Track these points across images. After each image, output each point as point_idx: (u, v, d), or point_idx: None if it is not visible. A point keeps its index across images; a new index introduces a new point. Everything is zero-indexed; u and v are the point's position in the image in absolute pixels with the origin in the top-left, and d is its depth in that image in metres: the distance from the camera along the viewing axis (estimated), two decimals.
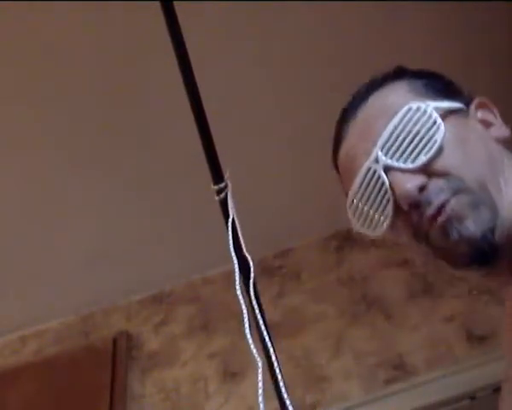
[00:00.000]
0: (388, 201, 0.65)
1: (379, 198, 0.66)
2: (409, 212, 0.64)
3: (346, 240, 2.38)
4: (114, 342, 2.27)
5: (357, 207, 0.69)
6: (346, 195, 0.70)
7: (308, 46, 1.92)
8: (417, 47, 1.95)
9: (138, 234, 2.28)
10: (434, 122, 0.64)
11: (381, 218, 0.67)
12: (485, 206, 0.62)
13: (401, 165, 0.64)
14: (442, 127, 0.64)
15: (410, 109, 0.65)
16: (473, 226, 0.61)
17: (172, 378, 2.18)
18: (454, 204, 0.62)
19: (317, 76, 1.97)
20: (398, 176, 0.64)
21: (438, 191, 0.63)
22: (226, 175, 0.95)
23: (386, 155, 0.65)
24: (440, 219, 0.62)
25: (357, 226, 0.71)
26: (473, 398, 1.78)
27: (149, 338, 2.34)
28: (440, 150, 0.63)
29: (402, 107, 0.66)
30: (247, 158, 2.01)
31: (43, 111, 1.91)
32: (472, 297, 1.98)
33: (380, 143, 0.65)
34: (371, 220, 0.69)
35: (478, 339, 1.86)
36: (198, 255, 2.34)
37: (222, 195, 0.95)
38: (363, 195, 0.68)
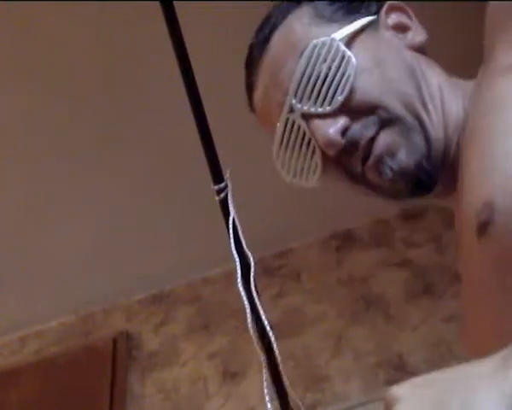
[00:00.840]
0: (314, 149, 0.61)
1: (303, 148, 0.62)
2: (337, 158, 0.60)
3: (346, 240, 2.38)
4: (114, 342, 2.27)
5: (284, 160, 0.66)
6: (272, 135, 0.66)
7: None
8: None
9: (138, 234, 2.28)
10: (343, 57, 0.59)
11: (311, 167, 0.63)
12: (415, 131, 0.58)
13: (318, 110, 0.59)
14: (352, 60, 0.58)
15: (315, 47, 0.59)
16: (405, 158, 0.57)
17: (172, 378, 2.18)
18: (382, 139, 0.58)
19: None
20: (317, 123, 0.59)
21: (362, 129, 0.58)
22: (226, 175, 0.95)
23: (300, 102, 0.60)
24: (370, 160, 0.58)
25: (288, 178, 0.68)
26: None
27: (149, 338, 2.34)
28: (355, 84, 0.58)
29: (307, 43, 0.60)
30: (247, 158, 2.01)
31: (44, 111, 1.91)
32: None
33: (291, 90, 0.60)
34: (301, 171, 0.65)
35: None
36: (198, 255, 2.34)
37: (222, 195, 0.95)
38: (286, 147, 0.64)
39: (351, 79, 0.58)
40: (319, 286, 2.26)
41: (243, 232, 0.96)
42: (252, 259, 0.89)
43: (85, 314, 2.45)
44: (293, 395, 0.67)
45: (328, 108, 0.59)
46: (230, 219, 0.92)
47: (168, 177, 2.13)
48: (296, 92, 0.60)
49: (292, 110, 0.61)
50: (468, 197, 0.51)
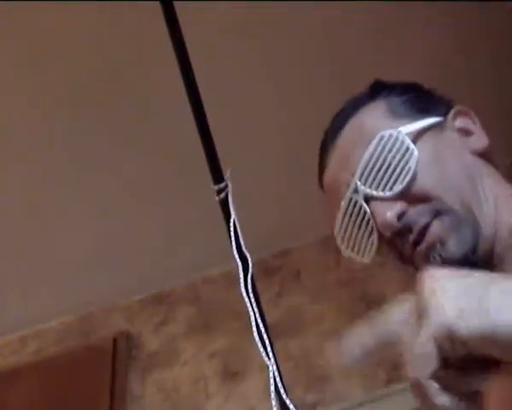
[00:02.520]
0: (372, 229, 0.67)
1: (363, 227, 0.68)
2: (392, 239, 0.65)
3: None
4: (114, 342, 2.27)
5: (344, 236, 0.71)
6: (333, 218, 0.72)
7: (310, 47, 1.92)
8: (418, 48, 1.95)
9: (138, 234, 2.28)
10: (407, 149, 0.65)
11: (368, 245, 0.69)
12: (466, 225, 0.62)
13: (380, 194, 0.65)
14: (415, 153, 0.64)
15: (382, 138, 0.66)
16: (454, 248, 0.62)
17: (172, 378, 2.18)
18: (435, 227, 0.63)
19: (318, 78, 1.97)
20: (377, 205, 0.65)
21: (417, 216, 0.63)
22: (226, 175, 0.95)
23: (364, 184, 0.66)
24: (422, 246, 0.63)
25: (346, 253, 0.72)
26: None
27: (149, 338, 2.34)
28: (415, 175, 0.64)
29: (377, 133, 0.66)
30: (247, 158, 2.01)
31: (44, 112, 1.91)
32: None
33: (357, 173, 0.66)
34: (359, 248, 0.70)
35: None
36: (198, 255, 2.34)
37: (222, 195, 0.95)
38: (347, 225, 0.69)
39: (412, 170, 0.64)
40: (319, 286, 2.26)
41: (243, 232, 0.96)
42: (250, 260, 0.89)
43: (85, 314, 2.45)
44: (287, 401, 0.67)
45: (388, 194, 0.65)
46: (231, 219, 0.92)
47: (168, 177, 2.13)
48: (362, 175, 0.66)
49: (356, 191, 0.67)
50: None
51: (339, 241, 0.72)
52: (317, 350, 2.06)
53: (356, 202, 0.67)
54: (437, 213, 0.63)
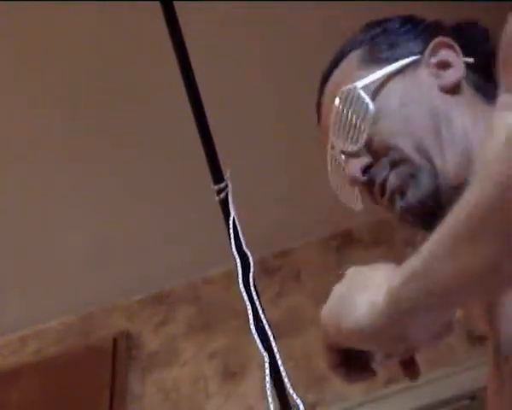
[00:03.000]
0: None
1: (345, 180, 0.70)
2: (365, 190, 0.68)
3: (346, 240, 2.38)
4: (114, 342, 2.27)
5: (336, 187, 0.74)
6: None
7: (310, 47, 1.92)
8: None
9: (138, 234, 2.28)
10: (362, 103, 0.65)
11: (354, 195, 0.72)
12: (423, 173, 0.63)
13: (348, 149, 0.68)
14: (370, 107, 0.65)
15: (342, 94, 0.67)
16: (411, 198, 0.63)
17: (172, 378, 2.18)
18: (392, 179, 0.64)
19: (318, 77, 1.97)
20: (348, 160, 0.68)
21: (378, 170, 0.65)
22: (226, 175, 0.95)
23: (337, 139, 0.68)
24: (384, 198, 0.66)
25: (341, 199, 0.75)
26: (473, 398, 1.78)
27: (149, 338, 2.34)
28: (375, 127, 0.65)
29: (345, 86, 0.67)
30: (247, 158, 2.01)
31: (44, 111, 1.91)
32: None
33: (331, 129, 0.69)
34: (349, 197, 0.73)
35: (478, 339, 1.86)
36: (198, 255, 2.33)
37: (222, 195, 0.95)
38: (336, 178, 0.73)
39: (368, 123, 0.65)
40: (319, 286, 2.26)
41: (243, 232, 0.96)
42: (251, 259, 0.89)
43: (85, 314, 2.45)
44: (293, 395, 0.67)
45: (355, 148, 0.67)
46: (231, 219, 0.92)
47: (168, 177, 2.13)
48: (334, 132, 0.69)
49: (333, 147, 0.70)
50: None
51: (333, 187, 0.75)
52: (317, 350, 2.06)
53: (336, 158, 0.70)
54: (393, 164, 0.64)
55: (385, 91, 0.66)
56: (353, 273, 0.56)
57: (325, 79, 0.74)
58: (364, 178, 0.66)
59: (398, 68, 0.67)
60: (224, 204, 0.95)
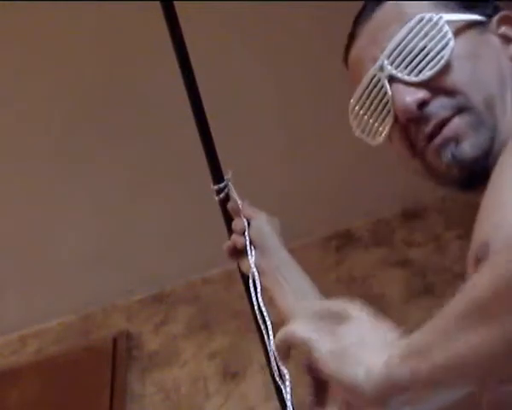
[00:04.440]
0: (389, 111, 0.64)
1: (380, 107, 0.65)
2: (407, 125, 0.63)
3: (346, 240, 2.38)
4: (114, 342, 2.27)
5: (359, 113, 0.68)
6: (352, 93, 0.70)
7: (310, 46, 1.92)
8: None
9: (138, 234, 2.27)
10: (444, 36, 0.62)
11: (380, 128, 0.66)
12: (486, 128, 0.60)
13: (405, 77, 0.63)
14: (451, 42, 0.62)
15: (421, 20, 0.63)
16: (468, 149, 0.60)
17: (172, 378, 2.18)
18: (455, 123, 0.60)
19: (318, 77, 1.97)
20: (400, 88, 0.63)
21: (439, 108, 0.61)
22: (228, 176, 0.95)
23: (391, 64, 0.63)
24: (437, 140, 0.61)
25: (357, 132, 0.70)
26: None
27: (149, 338, 2.34)
28: (448, 66, 0.61)
29: (415, 16, 0.63)
30: (247, 158, 2.01)
31: (43, 111, 1.91)
32: None
33: (387, 51, 0.64)
34: (370, 128, 0.68)
35: None
36: (198, 255, 2.33)
37: (222, 195, 0.95)
38: (364, 102, 0.67)
39: (444, 59, 0.61)
40: (319, 286, 2.25)
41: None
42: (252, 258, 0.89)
43: (85, 314, 2.45)
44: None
45: (414, 79, 0.62)
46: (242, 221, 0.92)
47: (168, 177, 2.12)
48: (391, 54, 0.63)
49: (381, 69, 0.64)
50: (475, 231, 0.54)
51: (352, 117, 0.70)
52: None
53: (378, 80, 0.64)
54: (459, 110, 0.61)
55: (462, 36, 0.63)
56: (358, 323, 0.55)
57: (378, 1, 0.69)
58: (419, 112, 0.61)
59: (474, 20, 0.65)
60: (224, 204, 0.95)
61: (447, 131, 0.61)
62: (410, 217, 2.36)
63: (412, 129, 0.63)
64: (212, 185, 0.96)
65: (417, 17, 0.63)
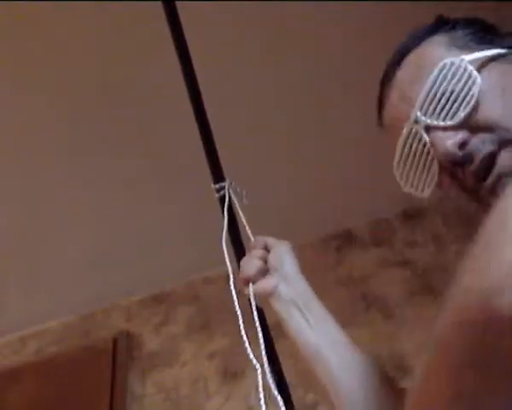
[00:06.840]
0: (432, 160, 0.65)
1: (423, 159, 0.66)
2: (453, 170, 0.63)
3: (346, 240, 2.38)
4: (114, 342, 2.27)
5: (404, 170, 0.69)
6: (393, 153, 0.70)
7: (310, 46, 1.92)
8: None
9: (138, 234, 2.28)
10: (470, 76, 0.63)
11: (428, 178, 0.67)
12: None
13: (440, 123, 0.64)
14: (478, 80, 0.62)
15: (444, 66, 0.64)
16: None
17: (172, 378, 2.18)
18: (503, 158, 0.60)
19: (318, 77, 1.97)
20: (438, 134, 0.64)
21: (480, 145, 0.61)
22: (226, 182, 0.95)
23: (425, 115, 0.64)
24: (490, 179, 0.61)
25: (406, 188, 0.71)
26: None
27: (149, 338, 2.34)
28: (479, 103, 0.62)
29: (438, 63, 0.65)
30: (247, 158, 2.01)
31: (44, 110, 1.91)
32: None
33: (418, 103, 0.65)
34: (418, 182, 0.69)
35: None
36: (198, 255, 2.33)
37: (221, 193, 0.95)
38: (407, 157, 0.68)
39: (475, 97, 0.62)
40: (319, 286, 2.25)
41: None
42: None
43: (85, 314, 2.45)
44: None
45: (449, 122, 0.63)
46: (244, 221, 0.92)
47: (168, 177, 2.13)
48: (422, 106, 0.65)
49: (416, 121, 0.65)
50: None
51: (398, 176, 0.70)
52: None
53: (416, 133, 0.65)
54: (503, 143, 0.60)
55: (484, 72, 0.64)
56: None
57: (398, 60, 0.70)
58: (461, 153, 0.61)
59: (495, 54, 0.66)
60: (224, 203, 0.95)
61: (498, 166, 0.60)
62: (410, 217, 2.36)
63: (459, 171, 0.63)
64: (212, 185, 0.96)
65: (441, 64, 0.64)
